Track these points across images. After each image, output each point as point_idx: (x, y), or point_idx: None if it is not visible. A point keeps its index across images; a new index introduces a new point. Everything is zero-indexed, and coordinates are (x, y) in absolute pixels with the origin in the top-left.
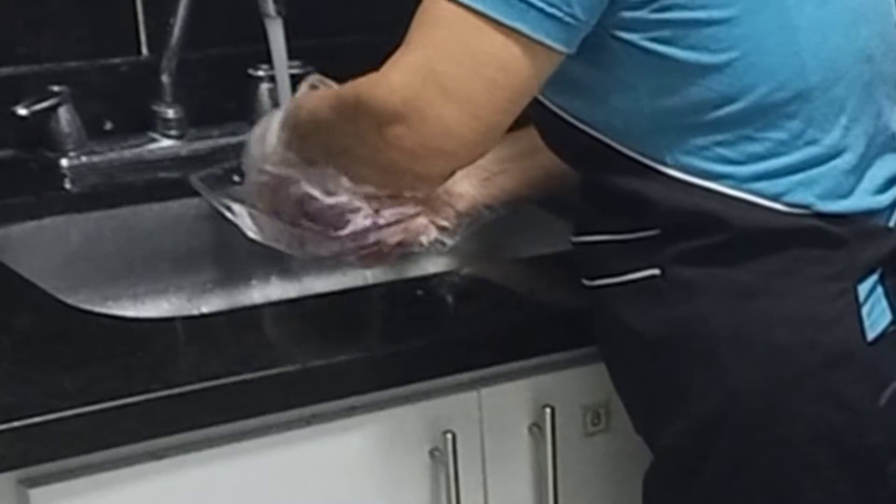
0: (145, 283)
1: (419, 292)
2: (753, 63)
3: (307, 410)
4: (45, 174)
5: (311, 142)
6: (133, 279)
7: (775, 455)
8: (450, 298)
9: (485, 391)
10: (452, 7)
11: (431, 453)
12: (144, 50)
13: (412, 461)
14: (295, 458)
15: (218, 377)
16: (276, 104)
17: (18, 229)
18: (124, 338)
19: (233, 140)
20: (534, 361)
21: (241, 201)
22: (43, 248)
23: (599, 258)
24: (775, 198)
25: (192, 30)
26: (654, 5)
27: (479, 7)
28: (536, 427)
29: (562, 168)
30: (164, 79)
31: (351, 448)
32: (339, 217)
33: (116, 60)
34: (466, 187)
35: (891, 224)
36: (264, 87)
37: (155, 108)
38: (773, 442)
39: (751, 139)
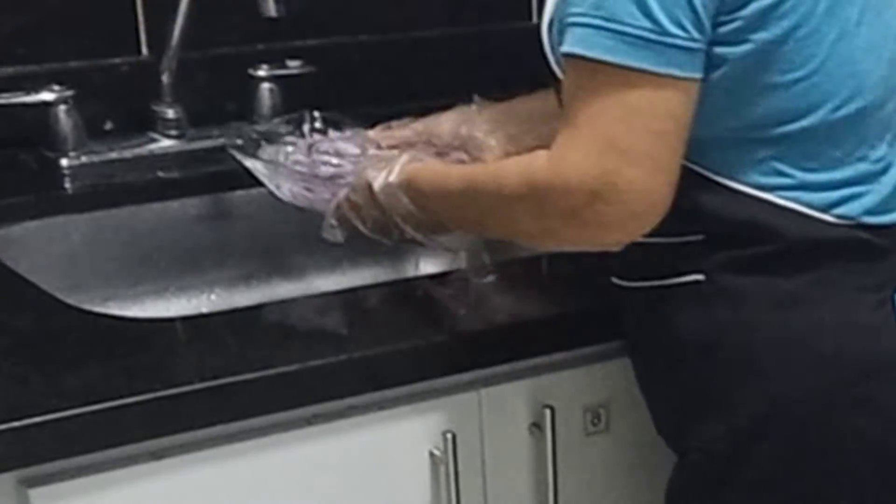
0: (145, 283)
1: (419, 292)
2: (817, 83)
3: (307, 410)
4: (45, 174)
5: (445, 211)
6: (133, 279)
7: (815, 464)
8: (450, 298)
9: (485, 391)
10: (599, 74)
11: (431, 453)
12: (144, 50)
13: (412, 461)
14: (295, 458)
15: (218, 377)
16: (275, 104)
17: (18, 229)
18: (124, 338)
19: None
20: (534, 361)
21: (274, 165)
22: (43, 248)
23: (643, 259)
24: (825, 209)
25: (192, 30)
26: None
27: (627, 62)
28: (536, 427)
29: None
30: (164, 79)
31: (351, 448)
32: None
33: (116, 60)
34: (494, 141)
35: None
36: (264, 87)
37: (155, 108)
38: (812, 451)
39: (808, 155)
